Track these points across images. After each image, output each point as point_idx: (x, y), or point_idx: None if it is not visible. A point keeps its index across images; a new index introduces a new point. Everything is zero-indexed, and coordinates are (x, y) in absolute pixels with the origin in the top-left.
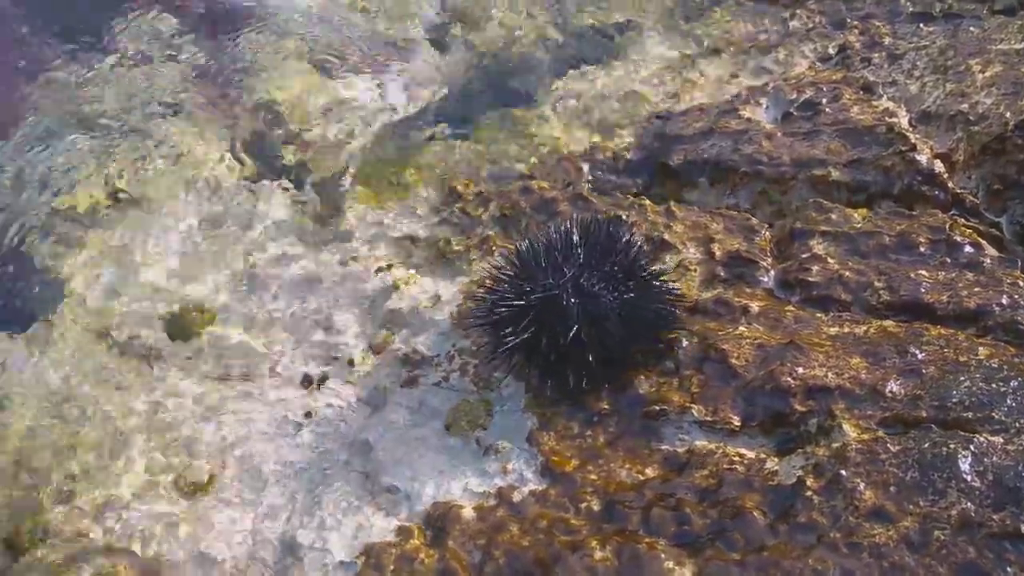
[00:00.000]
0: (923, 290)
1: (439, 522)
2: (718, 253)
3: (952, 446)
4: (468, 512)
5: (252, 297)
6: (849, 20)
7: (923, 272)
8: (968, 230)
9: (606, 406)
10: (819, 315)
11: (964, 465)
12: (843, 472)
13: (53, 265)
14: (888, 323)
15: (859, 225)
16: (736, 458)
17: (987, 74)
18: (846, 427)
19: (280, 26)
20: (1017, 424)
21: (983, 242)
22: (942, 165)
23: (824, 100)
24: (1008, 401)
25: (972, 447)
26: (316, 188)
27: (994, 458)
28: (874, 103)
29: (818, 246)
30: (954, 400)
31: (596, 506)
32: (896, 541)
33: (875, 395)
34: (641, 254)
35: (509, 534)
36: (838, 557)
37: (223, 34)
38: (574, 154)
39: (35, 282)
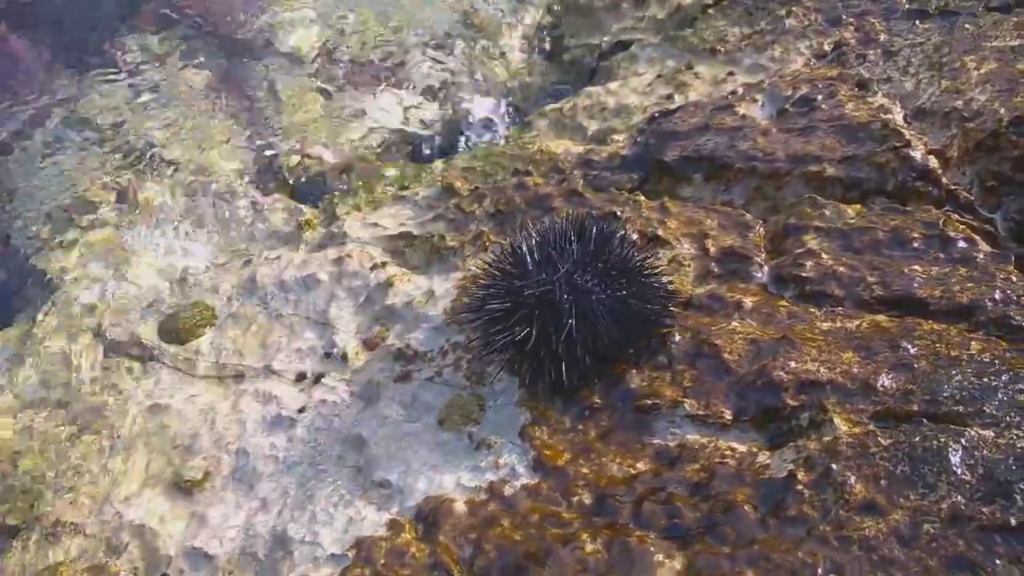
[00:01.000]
0: (916, 285)
1: (430, 516)
2: (712, 249)
3: (943, 440)
4: (460, 506)
5: (248, 295)
6: (845, 17)
7: (916, 267)
8: (962, 226)
9: (598, 400)
10: (812, 310)
11: (955, 459)
12: (834, 466)
13: (49, 263)
14: (881, 318)
15: (853, 221)
16: (728, 452)
17: (982, 71)
18: (837, 421)
19: None
20: (1008, 418)
21: (976, 238)
22: (936, 161)
23: (819, 97)
24: (999, 395)
25: (963, 441)
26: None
27: (985, 452)
28: (869, 100)
29: (812, 242)
30: (945, 394)
31: (587, 500)
32: (886, 534)
33: (867, 389)
34: (635, 251)
35: (500, 528)
36: (828, 550)
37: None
38: (569, 152)
39: (29, 279)
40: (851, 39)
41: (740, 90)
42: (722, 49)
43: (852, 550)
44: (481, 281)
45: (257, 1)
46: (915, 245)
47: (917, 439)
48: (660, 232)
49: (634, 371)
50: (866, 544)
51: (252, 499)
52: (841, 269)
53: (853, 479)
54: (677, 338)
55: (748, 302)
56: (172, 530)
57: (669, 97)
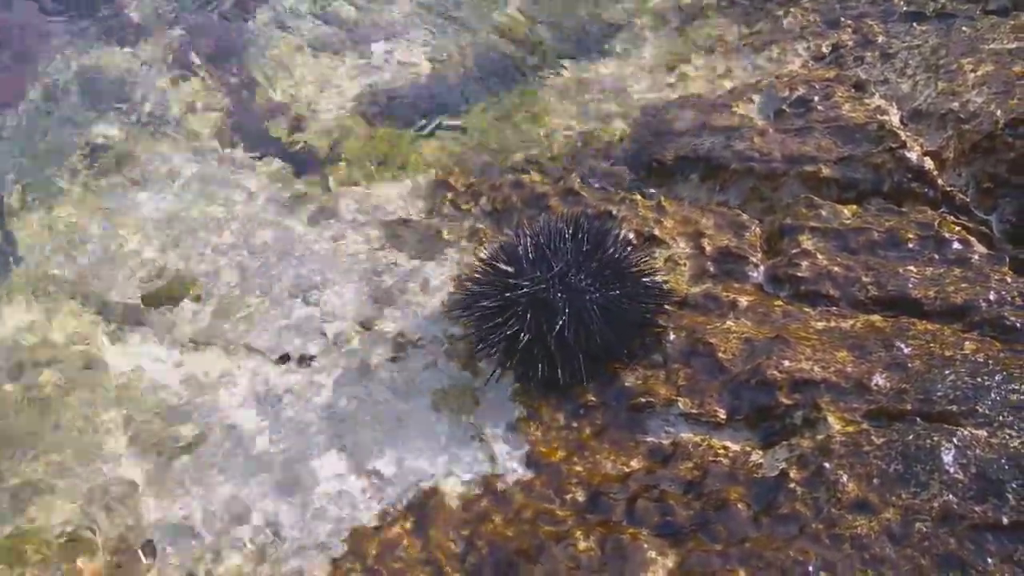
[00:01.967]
0: (911, 285)
1: (423, 509)
2: (708, 248)
3: (936, 439)
4: (452, 500)
5: (241, 270)
6: (843, 19)
7: (911, 268)
8: (957, 227)
9: (593, 398)
10: (807, 310)
11: (947, 457)
12: (826, 464)
13: (28, 224)
14: (875, 318)
15: (848, 221)
16: (721, 451)
17: (979, 73)
18: (831, 419)
19: None
20: (1001, 418)
21: (972, 239)
22: (932, 163)
23: (816, 97)
24: (992, 395)
25: (956, 440)
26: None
27: (977, 451)
28: (866, 101)
29: (807, 242)
30: (939, 394)
31: (581, 497)
32: (878, 532)
33: (860, 388)
34: (629, 250)
35: (493, 524)
36: (820, 548)
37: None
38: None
39: (5, 240)
40: (849, 41)
41: (737, 90)
42: (720, 49)
43: (843, 548)
44: (476, 277)
45: None
46: (910, 246)
47: (910, 438)
48: (656, 231)
49: (628, 369)
50: (858, 542)
51: (239, 482)
52: (836, 269)
53: (846, 477)
54: (672, 337)
55: (743, 301)
56: (155, 510)
57: (666, 95)
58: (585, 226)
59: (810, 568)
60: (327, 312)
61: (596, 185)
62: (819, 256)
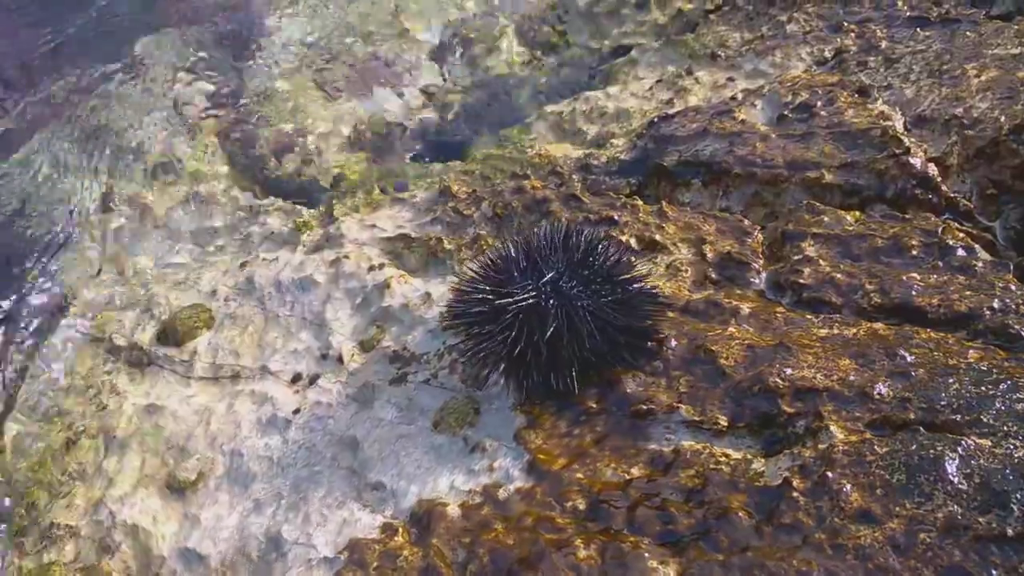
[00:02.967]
0: (914, 293)
1: (424, 519)
2: (710, 254)
3: (939, 448)
4: (453, 510)
5: (245, 297)
6: (846, 24)
7: (915, 275)
8: (961, 234)
9: (594, 405)
10: (809, 317)
11: (951, 468)
12: (829, 474)
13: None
14: (878, 325)
15: (851, 228)
16: (722, 458)
17: (982, 79)
18: (834, 429)
19: None
20: (1005, 427)
21: (976, 246)
22: (936, 169)
23: (819, 103)
24: (997, 404)
25: (960, 450)
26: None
27: (981, 461)
28: (869, 106)
29: (810, 248)
30: (943, 403)
31: (582, 505)
32: (881, 543)
33: (863, 397)
34: (623, 258)
35: (494, 532)
36: (823, 558)
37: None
38: (568, 156)
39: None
40: (852, 46)
41: (740, 95)
42: (722, 54)
43: (847, 558)
44: (469, 286)
45: None
46: (914, 253)
47: (914, 447)
48: (658, 237)
49: (630, 376)
50: (861, 552)
51: (246, 500)
52: (839, 276)
53: (849, 487)
54: (673, 343)
55: (745, 308)
56: (165, 531)
57: (669, 102)
58: (577, 234)
59: None
60: (331, 328)
61: (597, 190)
62: (822, 263)
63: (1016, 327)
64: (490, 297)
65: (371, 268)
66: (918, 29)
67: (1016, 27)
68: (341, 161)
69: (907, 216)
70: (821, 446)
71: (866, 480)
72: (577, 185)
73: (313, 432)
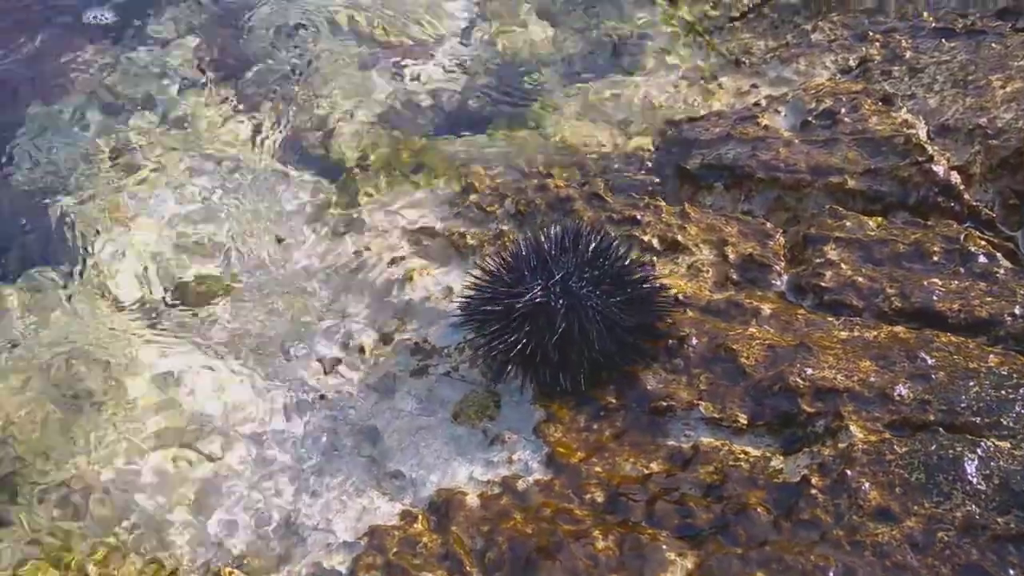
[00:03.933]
0: (935, 298)
1: (443, 508)
2: (731, 256)
3: (959, 449)
4: (472, 499)
5: (267, 278)
6: (872, 33)
7: (936, 280)
8: (983, 242)
9: (613, 400)
10: (830, 319)
11: (970, 468)
12: (849, 472)
13: (71, 226)
14: (899, 329)
15: (873, 233)
16: (742, 455)
17: (1007, 89)
18: (853, 428)
19: None
20: None
21: (997, 254)
22: (959, 177)
23: (843, 110)
24: (1017, 408)
25: (979, 451)
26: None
27: (1001, 462)
28: (893, 114)
29: (832, 252)
30: (962, 405)
31: (600, 497)
32: (899, 541)
33: (883, 398)
34: (632, 259)
35: (513, 521)
36: (841, 554)
37: None
38: (591, 148)
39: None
40: (876, 55)
41: (764, 101)
42: (747, 61)
43: (865, 555)
44: (480, 284)
45: None
46: (935, 259)
47: (933, 448)
48: (680, 238)
49: (650, 373)
50: (879, 549)
51: (265, 483)
52: (860, 280)
53: (867, 485)
54: (694, 342)
55: (766, 309)
56: (184, 513)
57: (692, 104)
58: (587, 235)
59: (831, 573)
60: (350, 320)
61: (620, 189)
62: (843, 266)
63: None
64: (500, 295)
65: (393, 260)
66: (943, 40)
67: None
68: (366, 139)
69: (929, 223)
70: (841, 445)
71: (885, 479)
72: (600, 184)
73: (333, 420)
